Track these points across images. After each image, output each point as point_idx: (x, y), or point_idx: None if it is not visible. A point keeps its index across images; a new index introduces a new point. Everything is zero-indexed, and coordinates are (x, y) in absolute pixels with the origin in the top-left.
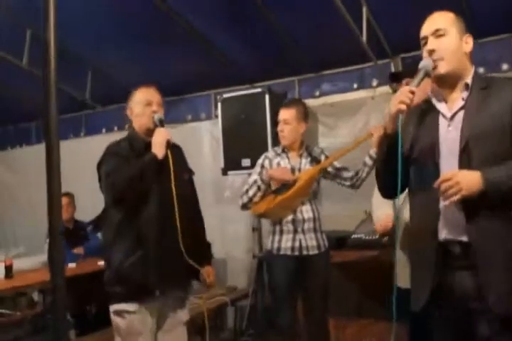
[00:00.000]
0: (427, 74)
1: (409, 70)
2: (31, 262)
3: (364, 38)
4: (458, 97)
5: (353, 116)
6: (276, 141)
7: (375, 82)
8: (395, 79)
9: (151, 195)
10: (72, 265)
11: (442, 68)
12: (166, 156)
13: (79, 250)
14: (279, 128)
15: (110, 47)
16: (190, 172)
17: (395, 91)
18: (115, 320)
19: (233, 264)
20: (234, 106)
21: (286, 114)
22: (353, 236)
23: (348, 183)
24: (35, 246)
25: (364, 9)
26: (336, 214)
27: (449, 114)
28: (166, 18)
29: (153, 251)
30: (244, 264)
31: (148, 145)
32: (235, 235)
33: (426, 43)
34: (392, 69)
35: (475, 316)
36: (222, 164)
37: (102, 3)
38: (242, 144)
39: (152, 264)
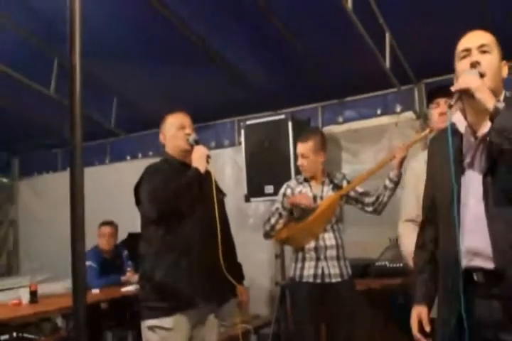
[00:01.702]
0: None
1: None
2: (56, 287)
3: (387, 63)
4: (487, 124)
5: (377, 143)
6: (298, 167)
7: (398, 108)
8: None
9: (193, 210)
10: (95, 291)
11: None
12: (206, 172)
13: (130, 275)
14: (299, 162)
15: (135, 75)
16: (223, 194)
17: (419, 117)
18: (147, 335)
19: (256, 292)
20: (257, 132)
21: (303, 148)
22: (377, 263)
23: (370, 209)
24: (60, 271)
25: (387, 35)
26: (361, 241)
27: (474, 137)
28: (190, 45)
29: (196, 265)
30: (268, 292)
31: (185, 165)
32: (258, 262)
33: (467, 56)
34: (416, 95)
35: None
36: (245, 191)
37: (128, 33)
38: (265, 171)
39: (196, 277)
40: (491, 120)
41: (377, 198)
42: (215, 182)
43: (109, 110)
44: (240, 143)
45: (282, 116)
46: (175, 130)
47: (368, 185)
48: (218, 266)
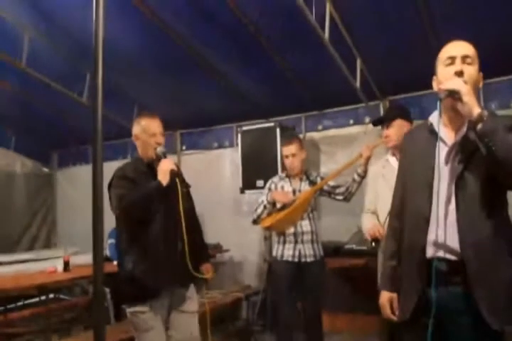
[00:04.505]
0: (453, 94)
1: (385, 116)
2: (86, 259)
3: (358, 83)
4: (463, 127)
5: (349, 147)
6: (284, 166)
7: (367, 120)
8: (377, 124)
9: (158, 214)
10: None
11: None
12: (174, 182)
13: None
14: (289, 161)
15: (153, 87)
16: (188, 186)
17: (383, 127)
18: (131, 319)
19: (248, 266)
20: (251, 136)
21: (291, 149)
22: (346, 246)
23: (340, 197)
24: (90, 245)
25: (358, 60)
26: (334, 227)
27: (450, 142)
28: (196, 64)
29: (160, 260)
30: (257, 267)
31: (149, 166)
32: (250, 242)
33: (451, 63)
34: (381, 110)
35: (463, 330)
36: (240, 184)
37: (149, 54)
38: (257, 168)
39: (160, 271)
40: (474, 124)
41: (347, 189)
42: (182, 176)
43: (131, 115)
44: (237, 145)
45: (272, 124)
46: (146, 136)
47: (339, 181)
48: (182, 260)
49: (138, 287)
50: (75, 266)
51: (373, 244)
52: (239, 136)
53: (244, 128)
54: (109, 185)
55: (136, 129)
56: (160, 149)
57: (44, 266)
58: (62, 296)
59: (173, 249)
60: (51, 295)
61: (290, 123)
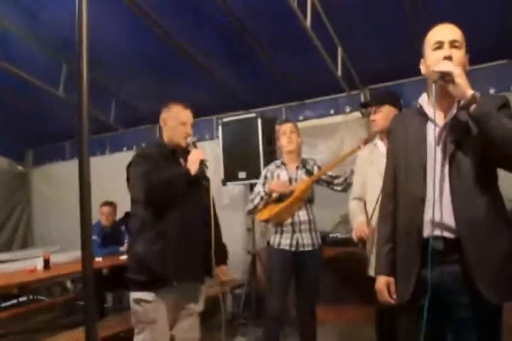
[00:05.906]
0: (445, 77)
1: (373, 100)
2: (66, 257)
3: (339, 72)
4: (452, 108)
5: (330, 137)
6: (266, 157)
7: (348, 109)
8: (365, 106)
9: (182, 202)
10: (98, 259)
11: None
12: (203, 173)
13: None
14: (286, 137)
15: (131, 81)
16: (207, 180)
17: (364, 115)
18: (134, 307)
19: (232, 259)
20: (232, 128)
21: (291, 126)
22: (331, 235)
23: (339, 188)
24: (68, 243)
25: (339, 49)
26: (318, 217)
27: (440, 123)
28: (178, 57)
29: (174, 246)
30: (241, 259)
31: (173, 152)
32: (233, 235)
33: (439, 48)
34: (362, 99)
35: (461, 309)
36: (222, 176)
37: (129, 47)
38: (239, 160)
39: (171, 257)
40: (467, 106)
41: (345, 180)
42: (204, 173)
43: (109, 110)
44: (218, 137)
45: (253, 115)
46: (176, 123)
47: (336, 170)
48: (198, 250)
49: (146, 271)
50: (54, 265)
51: (360, 245)
52: (219, 127)
53: (225, 119)
54: (130, 164)
55: (166, 114)
56: (191, 139)
57: (23, 265)
58: (40, 297)
59: (194, 240)
60: (30, 297)
61: (271, 114)
